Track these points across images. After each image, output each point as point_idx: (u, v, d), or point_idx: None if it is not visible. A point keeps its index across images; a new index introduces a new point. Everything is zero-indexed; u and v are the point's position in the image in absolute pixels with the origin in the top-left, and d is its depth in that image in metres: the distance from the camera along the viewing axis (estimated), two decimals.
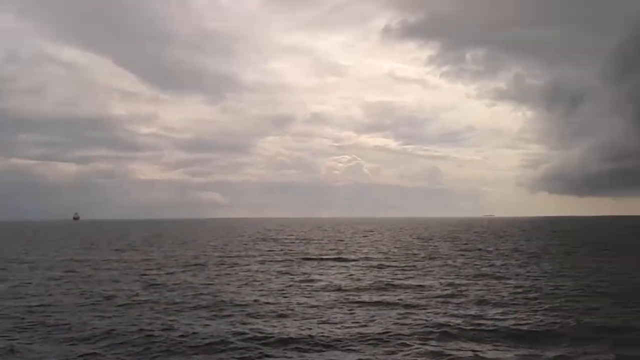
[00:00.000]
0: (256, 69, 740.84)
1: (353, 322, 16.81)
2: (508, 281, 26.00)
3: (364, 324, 16.63)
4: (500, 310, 18.74)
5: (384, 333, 15.38)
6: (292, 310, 18.92)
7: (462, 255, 42.57)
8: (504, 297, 21.42)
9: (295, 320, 17.36)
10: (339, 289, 23.71)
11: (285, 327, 16.34)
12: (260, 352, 13.68)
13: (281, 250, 49.72)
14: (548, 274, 28.73)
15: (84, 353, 13.72)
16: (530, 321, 16.82)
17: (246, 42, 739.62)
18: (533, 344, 14.36)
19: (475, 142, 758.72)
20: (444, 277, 27.87)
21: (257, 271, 31.06)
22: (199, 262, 36.86)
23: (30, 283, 26.57)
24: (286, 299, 21.33)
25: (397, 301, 20.58)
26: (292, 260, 38.12)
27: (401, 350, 13.78)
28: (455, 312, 18.41)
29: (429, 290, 23.12)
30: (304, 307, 19.46)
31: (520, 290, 23.05)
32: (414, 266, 33.51)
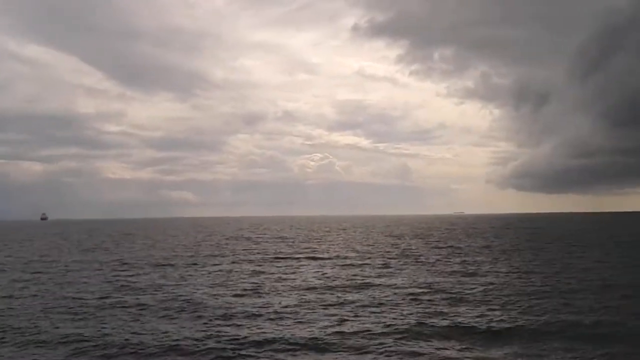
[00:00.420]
0: (225, 66, 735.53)
1: (328, 322, 16.80)
2: (480, 278, 26.42)
3: (338, 323, 16.64)
4: (473, 307, 19.01)
5: (358, 332, 15.44)
6: (266, 310, 18.81)
7: (434, 252, 43.08)
8: (476, 294, 21.74)
9: (270, 320, 17.26)
10: (314, 288, 23.70)
11: (260, 327, 16.23)
12: (235, 353, 13.56)
13: (254, 249, 49.45)
14: (518, 271, 29.30)
15: (53, 358, 13.37)
16: (503, 318, 17.12)
17: (214, 39, 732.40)
18: (505, 341, 14.61)
19: (445, 140, 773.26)
20: (417, 274, 28.16)
21: (230, 271, 30.77)
22: (170, 262, 36.30)
23: None
24: (260, 298, 21.21)
25: (371, 300, 20.68)
26: (266, 260, 37.93)
27: (376, 349, 13.85)
28: (429, 309, 18.59)
29: (403, 288, 23.30)
30: (278, 306, 19.37)
31: (491, 287, 23.44)
32: (387, 264, 33.74)
